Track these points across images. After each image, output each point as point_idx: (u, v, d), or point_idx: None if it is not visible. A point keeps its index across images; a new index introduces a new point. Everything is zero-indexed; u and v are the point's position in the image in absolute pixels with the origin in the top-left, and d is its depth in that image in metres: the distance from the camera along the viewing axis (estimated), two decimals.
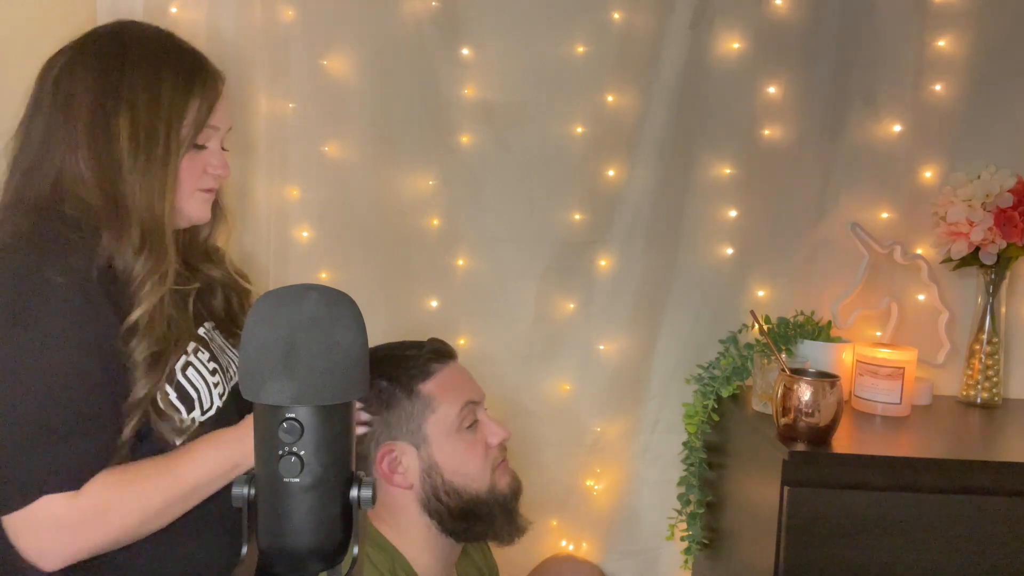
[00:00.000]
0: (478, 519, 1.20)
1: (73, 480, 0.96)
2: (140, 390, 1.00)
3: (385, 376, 1.20)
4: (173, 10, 1.49)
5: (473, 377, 1.27)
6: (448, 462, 1.18)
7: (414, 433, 1.18)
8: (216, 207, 1.22)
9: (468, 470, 1.19)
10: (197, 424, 1.08)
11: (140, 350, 1.00)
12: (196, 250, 1.22)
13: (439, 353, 1.25)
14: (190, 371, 1.07)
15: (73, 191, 1.03)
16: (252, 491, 0.64)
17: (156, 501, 1.00)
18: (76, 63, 1.06)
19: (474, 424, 1.22)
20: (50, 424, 0.96)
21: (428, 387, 1.20)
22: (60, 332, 0.97)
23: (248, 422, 1.07)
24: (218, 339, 1.18)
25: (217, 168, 1.13)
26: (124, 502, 0.99)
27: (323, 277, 1.63)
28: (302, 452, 0.61)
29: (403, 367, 1.21)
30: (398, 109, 1.61)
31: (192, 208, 1.13)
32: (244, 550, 0.65)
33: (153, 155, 1.04)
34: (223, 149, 1.16)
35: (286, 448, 0.61)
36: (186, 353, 1.08)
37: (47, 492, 0.95)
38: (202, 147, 1.11)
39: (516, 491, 1.25)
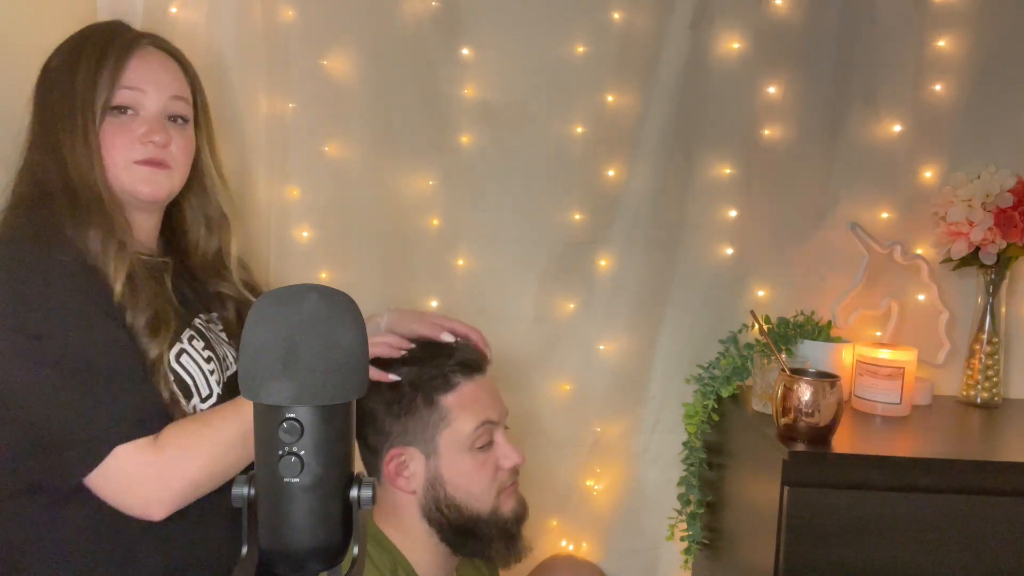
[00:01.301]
0: (475, 538, 1.19)
1: (139, 427, 0.99)
2: (152, 352, 1.03)
3: (408, 380, 1.19)
4: (173, 10, 1.49)
5: (498, 393, 1.26)
6: (453, 478, 1.18)
7: (427, 443, 1.18)
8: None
9: (472, 489, 1.18)
10: (198, 412, 1.09)
11: (138, 319, 1.02)
12: (207, 262, 1.22)
13: (466, 365, 1.22)
14: (184, 358, 1.08)
15: (45, 183, 1.05)
16: (252, 491, 0.64)
17: (231, 433, 1.02)
18: (43, 68, 1.10)
19: (489, 444, 1.21)
20: (103, 381, 0.98)
21: (448, 400, 1.19)
22: (79, 303, 0.99)
23: None
24: (215, 330, 1.18)
25: (149, 135, 1.08)
26: (200, 438, 1.01)
27: (323, 277, 1.63)
28: (302, 452, 0.61)
29: (427, 374, 1.19)
30: (398, 109, 1.61)
31: (134, 185, 1.08)
32: (244, 550, 0.65)
33: (75, 126, 1.05)
34: (179, 118, 1.13)
35: (286, 448, 0.61)
36: (180, 341, 1.08)
37: (118, 443, 0.97)
38: (123, 110, 1.08)
39: (520, 516, 1.24)
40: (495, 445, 1.21)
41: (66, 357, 0.97)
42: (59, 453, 0.98)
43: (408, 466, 1.18)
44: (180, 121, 1.13)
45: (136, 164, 1.08)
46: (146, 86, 1.09)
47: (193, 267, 1.21)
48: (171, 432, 1.01)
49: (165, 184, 1.12)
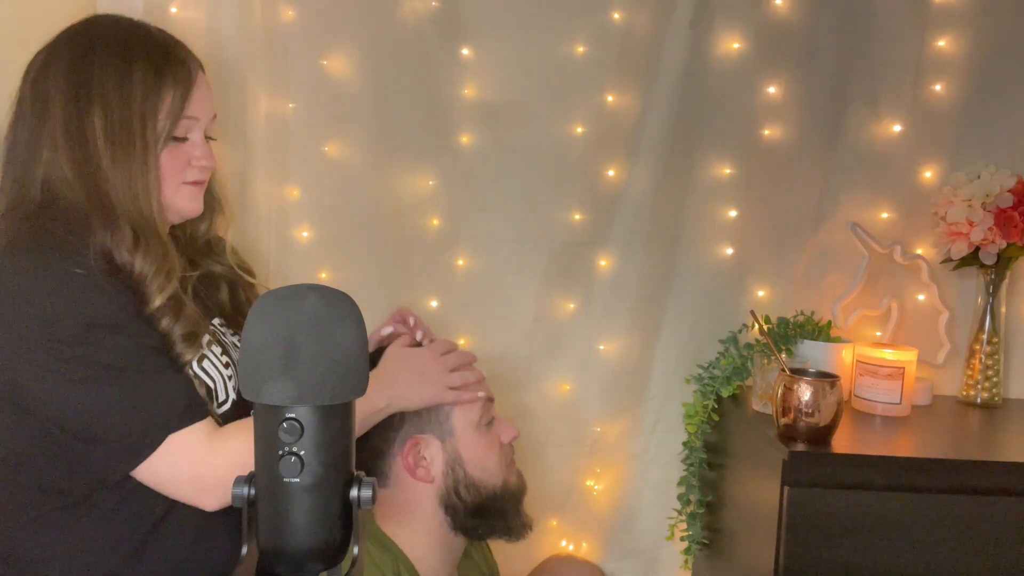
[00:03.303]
0: (491, 515, 1.24)
1: (190, 415, 0.99)
2: (185, 357, 1.03)
3: None
4: (173, 10, 1.49)
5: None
6: (471, 456, 1.22)
7: (441, 425, 1.22)
8: (212, 199, 1.21)
9: (488, 465, 1.23)
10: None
11: (176, 328, 1.02)
12: (196, 244, 1.22)
13: None
14: (205, 363, 1.08)
15: (61, 193, 1.03)
16: (252, 491, 0.64)
17: None
18: (49, 64, 1.05)
19: (491, 421, 1.27)
20: (143, 376, 0.98)
21: None
22: (105, 308, 0.98)
23: (384, 366, 1.19)
24: (228, 335, 1.18)
25: (201, 159, 1.11)
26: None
27: (323, 277, 1.63)
28: (302, 452, 0.62)
29: None
30: (398, 109, 1.61)
31: (180, 202, 1.11)
32: (244, 550, 0.65)
33: (131, 152, 1.03)
34: (209, 139, 1.14)
35: (286, 448, 0.61)
36: (201, 346, 1.08)
37: (173, 431, 0.98)
38: (182, 139, 1.09)
39: (523, 489, 1.30)
40: (495, 421, 1.28)
41: (106, 358, 0.97)
42: (110, 447, 0.98)
43: (424, 455, 1.20)
44: (210, 139, 1.15)
45: (184, 184, 1.11)
46: (200, 114, 1.10)
47: (185, 250, 1.20)
48: (230, 434, 1.02)
49: (202, 200, 1.15)
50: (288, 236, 1.61)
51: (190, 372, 1.05)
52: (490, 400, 1.27)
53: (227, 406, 1.10)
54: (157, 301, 1.01)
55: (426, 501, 1.22)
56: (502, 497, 1.24)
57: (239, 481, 0.64)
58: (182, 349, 1.03)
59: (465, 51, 1.62)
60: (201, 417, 1.01)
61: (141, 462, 0.98)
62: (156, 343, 1.01)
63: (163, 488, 1.00)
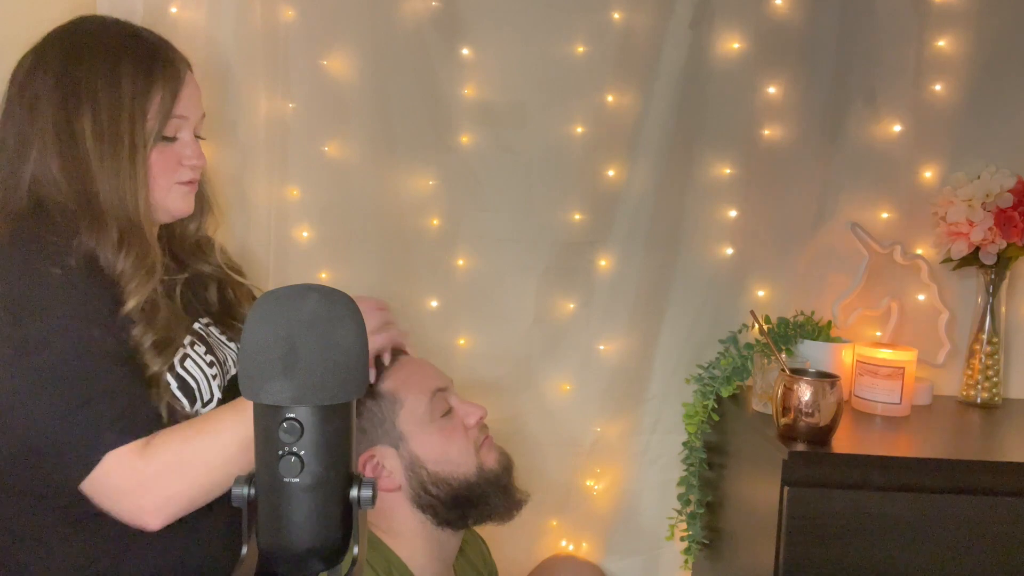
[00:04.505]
0: (472, 503, 1.19)
1: (130, 431, 0.97)
2: (153, 367, 1.02)
3: None
4: (173, 10, 1.49)
5: (435, 365, 1.27)
6: (429, 453, 1.18)
7: (389, 433, 1.18)
8: (202, 198, 1.21)
9: (451, 456, 1.18)
10: (197, 416, 1.08)
11: (147, 337, 1.01)
12: (185, 244, 1.22)
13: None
14: (188, 363, 1.08)
15: (49, 194, 1.03)
16: (252, 491, 0.64)
17: (228, 441, 0.98)
18: (38, 64, 1.05)
19: (449, 411, 1.21)
20: (90, 388, 0.96)
21: (387, 385, 1.19)
22: (72, 313, 0.97)
23: None
24: (215, 334, 1.18)
25: (192, 159, 1.11)
26: (193, 450, 0.98)
27: (323, 277, 1.63)
28: (302, 452, 0.62)
29: None
30: (398, 109, 1.61)
31: (172, 202, 1.11)
32: (244, 550, 0.65)
33: (120, 153, 1.03)
34: (199, 138, 1.14)
35: (286, 448, 0.61)
36: (183, 346, 1.08)
37: (109, 449, 0.95)
38: (172, 139, 1.09)
39: (507, 466, 1.24)
40: (454, 408, 1.22)
41: (56, 366, 0.96)
42: (53, 461, 0.97)
43: (383, 465, 1.18)
44: (199, 138, 1.15)
45: (177, 184, 1.11)
46: (189, 113, 1.11)
47: (174, 249, 1.21)
48: (163, 439, 0.99)
49: (193, 199, 1.15)
50: (288, 236, 1.61)
51: (163, 381, 1.03)
52: (440, 390, 1.22)
53: (213, 404, 1.10)
54: (133, 302, 1.00)
55: (400, 506, 1.19)
56: (478, 482, 1.19)
57: (239, 481, 0.64)
58: (150, 359, 1.01)
59: (465, 51, 1.62)
60: (142, 433, 0.98)
61: (84, 478, 0.96)
62: (121, 351, 0.99)
63: (105, 507, 0.98)
